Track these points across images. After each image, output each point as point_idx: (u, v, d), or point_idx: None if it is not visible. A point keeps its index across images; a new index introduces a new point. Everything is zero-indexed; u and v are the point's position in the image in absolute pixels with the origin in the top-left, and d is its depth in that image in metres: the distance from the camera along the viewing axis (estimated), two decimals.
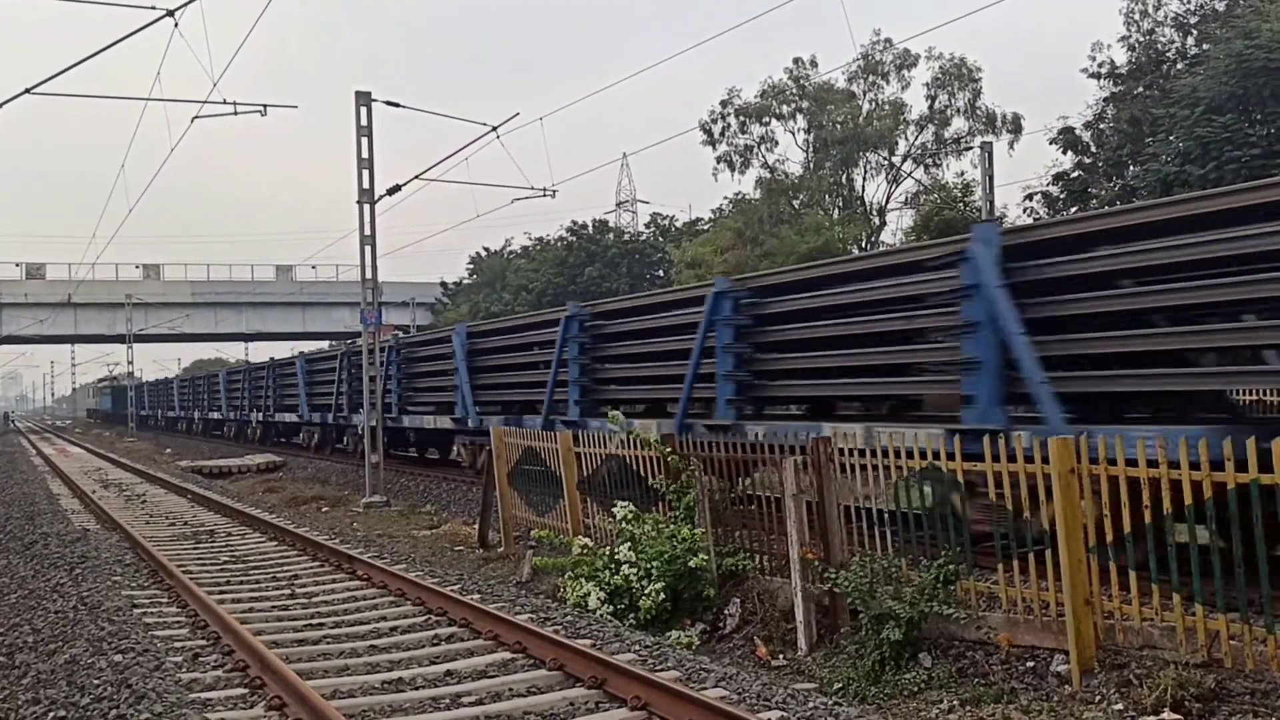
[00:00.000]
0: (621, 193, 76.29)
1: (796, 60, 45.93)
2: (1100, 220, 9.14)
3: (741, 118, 46.06)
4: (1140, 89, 31.02)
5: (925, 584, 7.50)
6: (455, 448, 22.63)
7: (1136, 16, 31.74)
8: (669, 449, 10.56)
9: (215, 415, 44.74)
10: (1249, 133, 21.80)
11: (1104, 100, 32.08)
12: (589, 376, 15.64)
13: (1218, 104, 22.45)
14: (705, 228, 54.11)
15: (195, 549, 13.01)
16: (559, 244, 55.32)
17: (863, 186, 46.81)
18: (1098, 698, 6.33)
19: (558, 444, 12.76)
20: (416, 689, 6.62)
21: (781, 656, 8.19)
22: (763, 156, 46.40)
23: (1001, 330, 8.69)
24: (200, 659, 7.40)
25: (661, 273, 50.78)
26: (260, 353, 71.90)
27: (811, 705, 6.02)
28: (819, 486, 8.65)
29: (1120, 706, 6.14)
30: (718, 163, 46.59)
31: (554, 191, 24.64)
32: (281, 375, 34.05)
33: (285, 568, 11.47)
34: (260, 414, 36.09)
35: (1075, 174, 30.79)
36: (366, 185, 20.52)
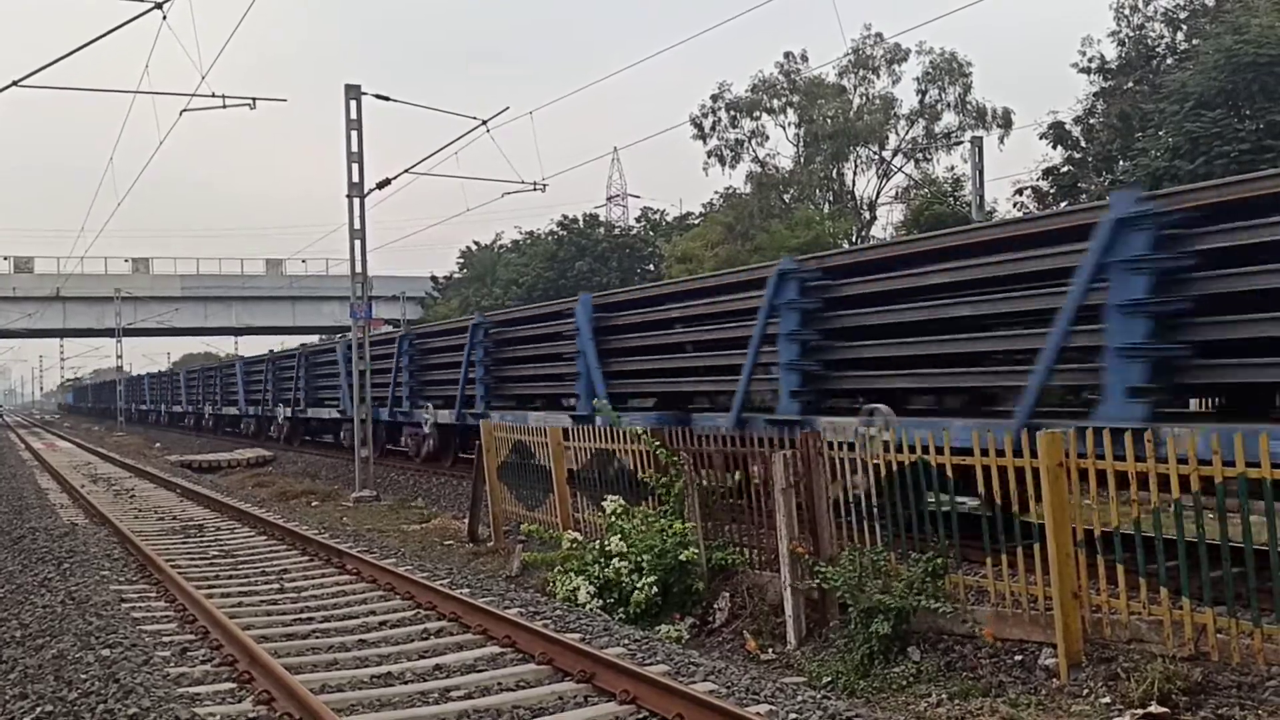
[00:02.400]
0: (612, 187, 76.45)
1: (787, 54, 45.98)
2: None
3: (732, 112, 46.06)
4: (1130, 84, 31.11)
5: (914, 578, 7.52)
6: None
7: (1126, 11, 31.83)
8: (659, 443, 10.55)
9: (231, 411, 40.28)
10: (1238, 128, 21.87)
11: (1094, 95, 32.16)
12: (815, 358, 11.37)
13: (1207, 99, 22.51)
14: (695, 222, 54.14)
15: (184, 544, 12.97)
16: (549, 238, 55.26)
17: (853, 181, 46.91)
18: (1085, 691, 6.36)
19: (547, 438, 12.77)
20: (405, 683, 6.61)
21: (771, 650, 8.20)
22: (753, 151, 46.43)
23: None
24: (188, 653, 7.37)
25: (652, 267, 50.77)
26: (250, 347, 71.78)
27: (800, 699, 6.03)
28: (808, 481, 8.67)
29: (1107, 700, 6.17)
30: (708, 157, 46.64)
31: (544, 186, 24.63)
32: (316, 365, 30.03)
33: (274, 562, 11.43)
34: (288, 409, 31.91)
35: (1065, 169, 30.86)
36: (356, 179, 20.49)
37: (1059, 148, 31.28)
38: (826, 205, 46.12)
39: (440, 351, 21.97)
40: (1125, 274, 8.03)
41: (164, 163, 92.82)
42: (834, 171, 46.36)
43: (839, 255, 12.68)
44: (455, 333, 21.42)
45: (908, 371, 10.59)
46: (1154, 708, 5.84)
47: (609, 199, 75.45)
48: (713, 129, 46.22)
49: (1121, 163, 27.82)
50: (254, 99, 20.86)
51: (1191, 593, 6.31)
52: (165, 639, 7.79)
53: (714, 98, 46.14)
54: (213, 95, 20.22)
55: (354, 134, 20.44)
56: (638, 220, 62.41)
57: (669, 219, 59.88)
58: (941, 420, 9.25)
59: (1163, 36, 31.60)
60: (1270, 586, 6.04)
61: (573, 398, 16.30)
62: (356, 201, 20.52)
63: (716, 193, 52.26)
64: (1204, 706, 5.85)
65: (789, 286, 11.38)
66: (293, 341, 55.17)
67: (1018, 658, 7.01)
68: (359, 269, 20.61)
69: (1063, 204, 28.74)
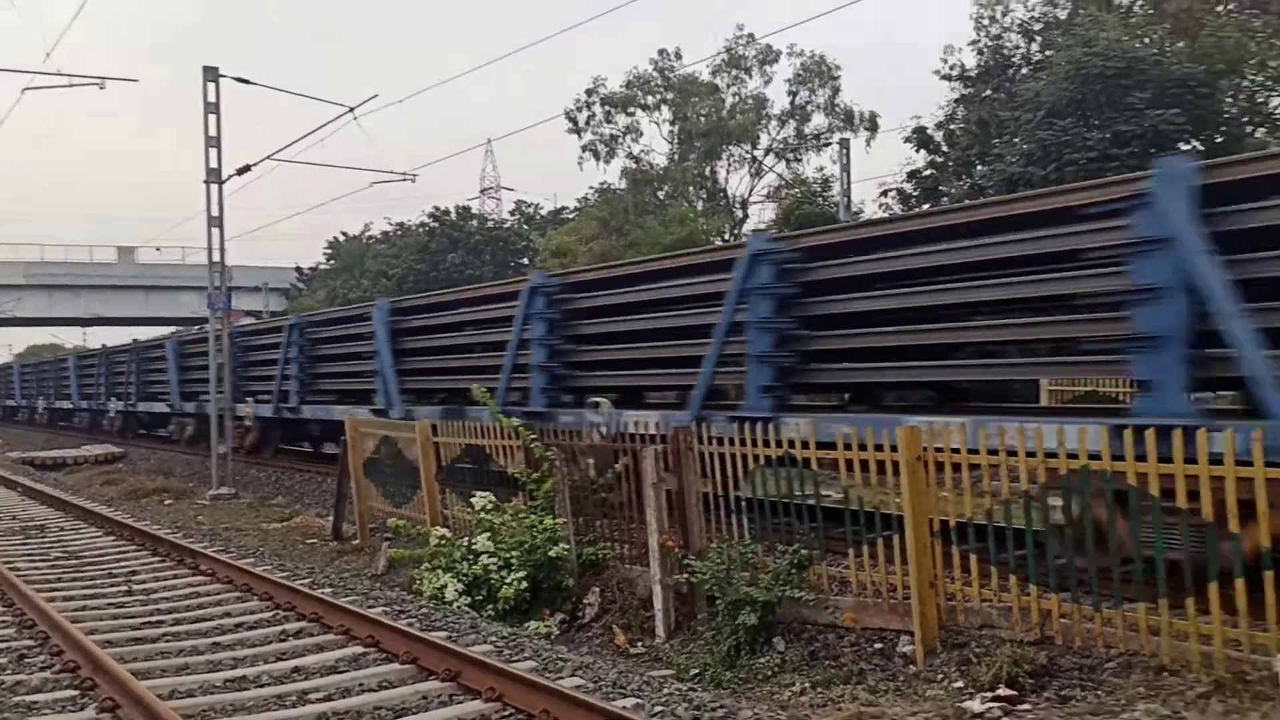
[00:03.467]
0: (485, 179, 75.43)
1: (661, 52, 46.19)
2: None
3: (607, 107, 46.03)
4: (988, 92, 32.28)
5: (780, 570, 7.64)
6: None
7: (985, 22, 33.04)
8: (532, 437, 10.46)
9: (10, 403, 46.43)
10: (1086, 137, 22.94)
11: (955, 101, 33.26)
12: (561, 360, 12.76)
13: (1058, 109, 23.56)
14: (570, 217, 53.96)
15: (24, 545, 12.27)
16: (420, 230, 54.25)
17: (726, 179, 47.46)
18: (940, 676, 6.58)
19: (416, 433, 12.52)
20: (261, 686, 6.37)
21: (640, 644, 8.23)
22: (628, 147, 46.47)
23: None
24: (26, 660, 6.97)
25: (526, 260, 50.40)
26: (99, 339, 68.20)
27: (667, 691, 6.05)
28: (679, 476, 8.72)
29: (960, 684, 6.39)
30: (583, 152, 46.45)
31: (414, 176, 24.20)
32: (84, 368, 34.22)
33: (122, 564, 10.91)
34: (45, 401, 39.07)
35: (927, 172, 31.87)
36: (214, 164, 19.70)
37: (922, 151, 32.28)
38: (700, 202, 46.57)
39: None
40: None
41: (6, 144, 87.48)
42: (707, 169, 46.82)
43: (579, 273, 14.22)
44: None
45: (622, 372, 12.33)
46: (1002, 690, 6.07)
47: (482, 191, 74.41)
48: (587, 123, 46.11)
49: (980, 167, 28.89)
50: (102, 79, 19.92)
51: (1038, 579, 6.58)
52: (1, 646, 7.33)
53: (589, 92, 46.04)
54: (58, 74, 19.21)
55: (212, 118, 19.65)
56: (511, 213, 61.85)
57: (543, 213, 59.56)
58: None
59: (1019, 47, 32.87)
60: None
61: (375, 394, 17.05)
62: (215, 188, 19.72)
63: (591, 188, 52.25)
64: (1048, 688, 6.11)
65: (538, 300, 12.86)
66: (147, 333, 52.82)
67: (878, 646, 7.20)
68: (217, 258, 19.83)
69: (926, 205, 29.72)
